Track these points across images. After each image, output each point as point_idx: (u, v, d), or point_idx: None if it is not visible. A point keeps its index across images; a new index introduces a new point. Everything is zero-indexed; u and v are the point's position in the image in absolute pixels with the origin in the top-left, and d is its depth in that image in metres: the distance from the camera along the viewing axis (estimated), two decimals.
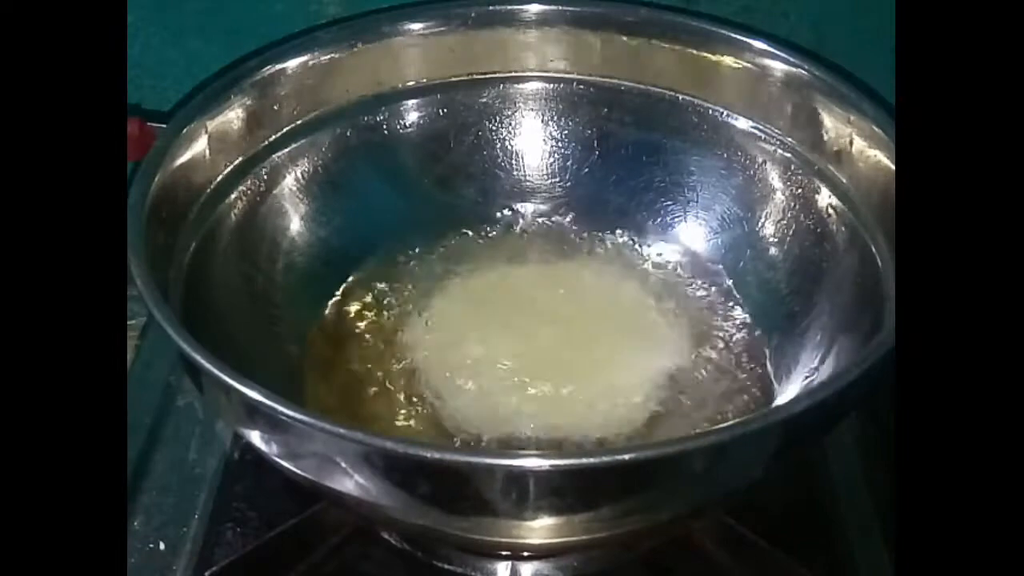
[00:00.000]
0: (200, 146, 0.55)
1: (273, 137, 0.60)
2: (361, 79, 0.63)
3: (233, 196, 0.58)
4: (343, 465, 0.41)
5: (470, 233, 0.65)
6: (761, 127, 0.62)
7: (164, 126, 0.54)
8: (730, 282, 0.62)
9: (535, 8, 0.63)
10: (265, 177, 0.60)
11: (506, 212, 0.66)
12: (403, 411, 0.55)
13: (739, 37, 0.60)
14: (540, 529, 0.43)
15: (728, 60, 0.61)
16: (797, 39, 0.66)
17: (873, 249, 0.54)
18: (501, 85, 0.66)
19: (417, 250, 0.64)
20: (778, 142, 0.61)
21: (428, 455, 0.39)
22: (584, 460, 0.39)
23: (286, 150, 0.61)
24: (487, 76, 0.65)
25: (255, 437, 0.44)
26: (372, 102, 0.63)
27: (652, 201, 0.65)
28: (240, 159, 0.58)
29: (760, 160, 0.62)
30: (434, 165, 0.66)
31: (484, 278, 0.62)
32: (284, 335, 0.58)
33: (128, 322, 0.61)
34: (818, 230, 0.59)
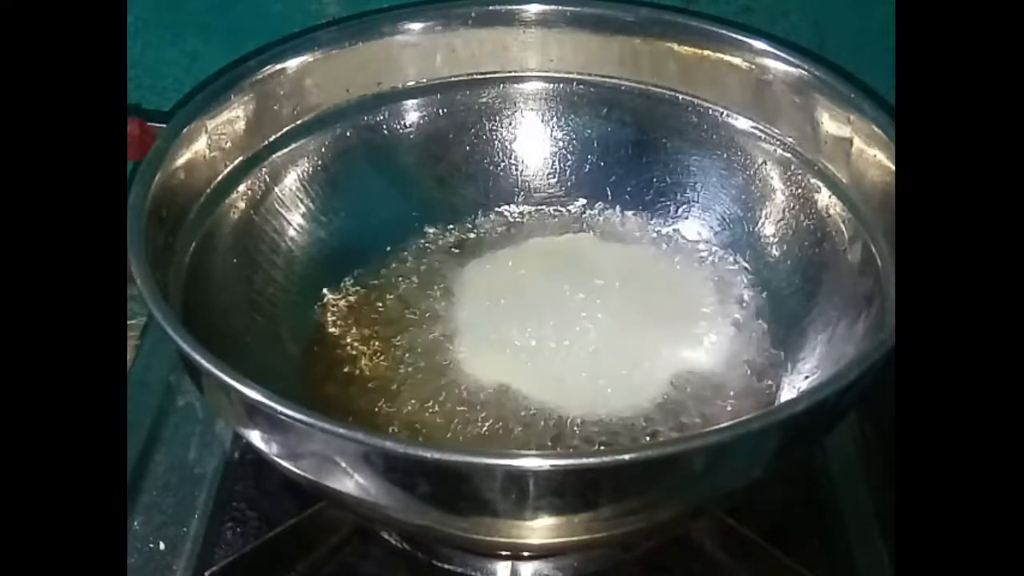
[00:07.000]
0: (200, 146, 0.55)
1: (273, 137, 0.60)
2: (361, 79, 0.63)
3: (233, 196, 0.58)
4: (343, 465, 0.41)
5: (470, 233, 0.65)
6: (761, 127, 0.62)
7: (164, 126, 0.54)
8: (729, 282, 0.62)
9: (535, 8, 0.63)
10: (265, 177, 0.60)
11: (506, 212, 0.66)
12: (404, 409, 0.55)
13: (739, 37, 0.60)
14: (540, 529, 0.43)
15: (728, 60, 0.61)
16: (797, 39, 0.66)
17: (873, 249, 0.54)
18: (501, 85, 0.66)
19: (417, 250, 0.64)
20: (778, 142, 0.61)
21: (428, 455, 0.39)
22: (584, 460, 0.39)
23: (286, 150, 0.61)
24: (487, 76, 0.65)
25: (255, 437, 0.44)
26: (372, 102, 0.63)
27: (652, 201, 0.65)
28: (240, 159, 0.58)
29: (760, 160, 0.62)
30: (434, 165, 0.66)
31: (483, 276, 0.62)
32: (284, 335, 0.58)
33: (128, 322, 0.61)
34: (818, 230, 0.59)
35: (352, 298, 0.61)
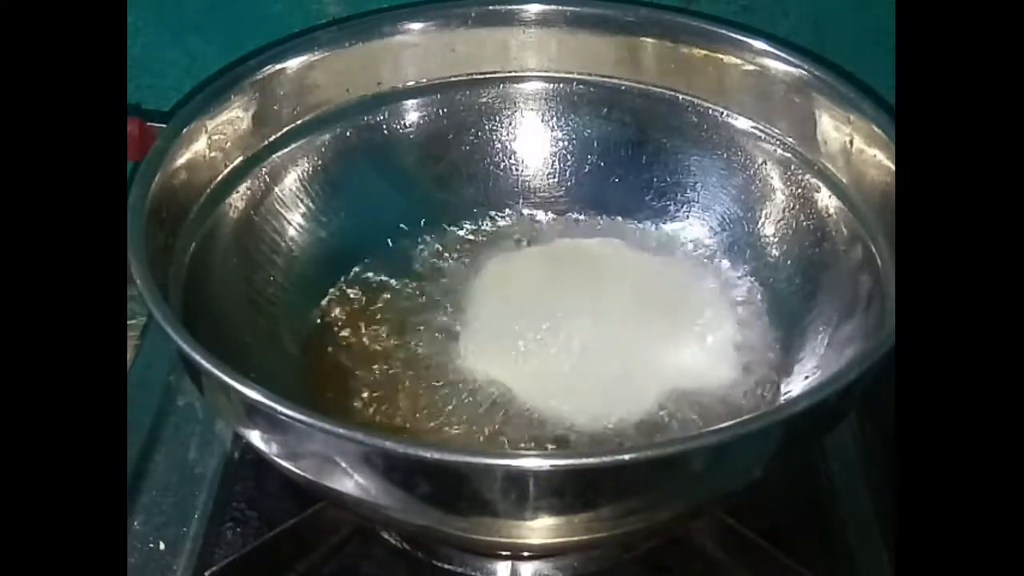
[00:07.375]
0: (200, 146, 0.55)
1: (273, 137, 0.60)
2: (361, 79, 0.63)
3: (233, 196, 0.58)
4: (343, 465, 0.41)
5: (470, 232, 0.65)
6: (761, 127, 0.62)
7: (164, 126, 0.54)
8: (729, 282, 0.62)
9: (535, 8, 0.63)
10: (265, 177, 0.60)
11: (506, 212, 0.66)
12: (404, 408, 0.55)
13: (739, 37, 0.60)
14: (540, 529, 0.43)
15: (728, 60, 0.61)
16: (797, 39, 0.66)
17: (873, 249, 0.54)
18: (501, 85, 0.66)
19: (416, 250, 0.64)
20: (778, 142, 0.61)
21: (428, 455, 0.39)
22: (584, 460, 0.39)
23: (286, 150, 0.61)
24: (487, 76, 0.65)
25: (255, 437, 0.44)
26: (372, 102, 0.63)
27: (652, 201, 0.65)
28: (240, 159, 0.58)
29: (760, 160, 0.62)
30: (434, 165, 0.66)
31: (483, 277, 0.62)
32: (284, 335, 0.58)
33: (128, 322, 0.61)
34: (818, 230, 0.59)
35: (352, 298, 0.61)
